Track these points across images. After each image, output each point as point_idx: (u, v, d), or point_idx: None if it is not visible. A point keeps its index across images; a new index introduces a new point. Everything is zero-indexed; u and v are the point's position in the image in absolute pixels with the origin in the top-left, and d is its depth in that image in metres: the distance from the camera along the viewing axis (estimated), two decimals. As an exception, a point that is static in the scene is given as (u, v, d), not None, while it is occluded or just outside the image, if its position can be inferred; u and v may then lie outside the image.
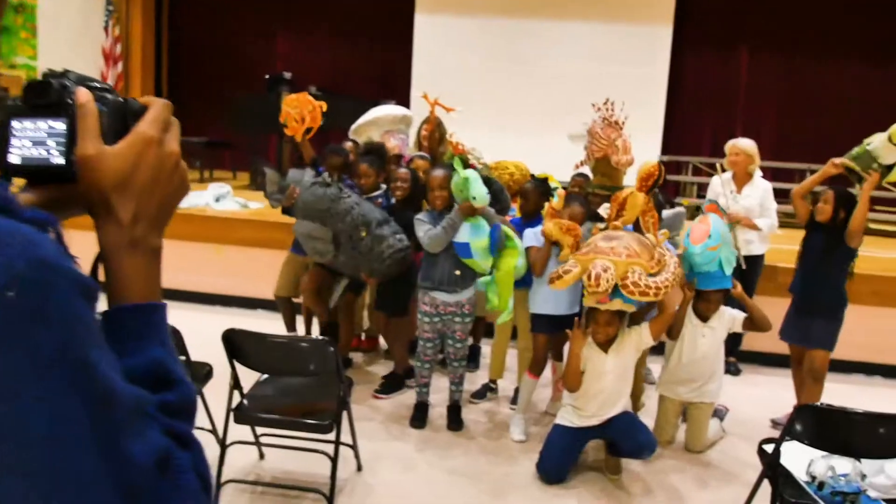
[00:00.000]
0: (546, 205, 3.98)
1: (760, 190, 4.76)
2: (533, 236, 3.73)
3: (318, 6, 9.80)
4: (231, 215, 6.08)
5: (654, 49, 8.91)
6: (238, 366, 2.92)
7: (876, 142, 3.62)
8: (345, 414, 3.00)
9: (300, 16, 9.90)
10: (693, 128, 9.43)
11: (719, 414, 3.91)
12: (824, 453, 2.55)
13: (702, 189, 8.63)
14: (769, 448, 2.67)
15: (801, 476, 2.59)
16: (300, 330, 4.70)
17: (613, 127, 4.38)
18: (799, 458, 2.61)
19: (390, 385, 4.26)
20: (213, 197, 6.36)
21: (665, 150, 9.00)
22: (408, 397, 4.18)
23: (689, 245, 3.55)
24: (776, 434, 3.77)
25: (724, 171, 4.69)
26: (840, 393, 3.78)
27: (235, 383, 2.94)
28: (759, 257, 4.76)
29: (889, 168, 3.80)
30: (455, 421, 3.88)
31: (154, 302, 0.65)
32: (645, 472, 3.47)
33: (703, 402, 3.67)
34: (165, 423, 0.58)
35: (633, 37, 8.89)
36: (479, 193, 3.49)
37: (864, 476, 2.51)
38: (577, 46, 8.89)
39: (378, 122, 4.99)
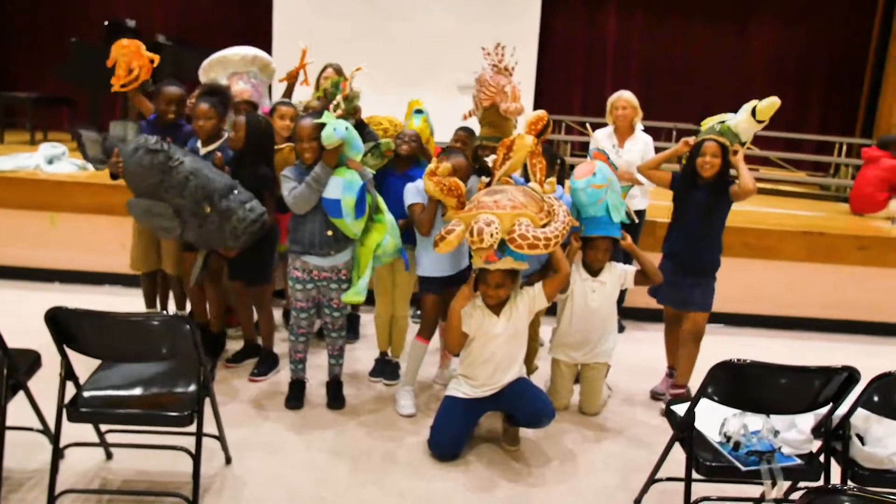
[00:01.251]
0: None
1: (642, 143, 4.67)
2: (416, 192, 3.37)
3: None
4: (67, 178, 5.31)
5: (524, 7, 8.76)
6: (74, 353, 2.40)
7: (735, 119, 3.52)
8: (207, 401, 2.56)
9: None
10: (564, 87, 9.41)
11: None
12: (736, 411, 2.41)
13: (575, 148, 8.65)
14: (679, 409, 2.51)
15: (713, 437, 2.45)
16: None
17: (503, 73, 4.11)
18: (708, 418, 2.47)
19: (265, 364, 3.82)
20: (45, 158, 5.52)
21: (537, 105, 8.91)
22: (282, 376, 3.76)
23: (572, 183, 3.37)
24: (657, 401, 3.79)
25: (594, 130, 4.57)
26: (716, 347, 3.72)
27: (67, 373, 2.42)
28: (641, 212, 4.68)
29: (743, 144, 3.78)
30: (336, 398, 3.51)
31: None
32: (540, 440, 3.27)
33: (598, 363, 3.53)
34: None
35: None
36: (328, 133, 3.10)
37: (776, 432, 2.40)
38: (445, 4, 8.60)
39: (225, 61, 4.36)
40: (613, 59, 9.48)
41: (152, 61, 4.10)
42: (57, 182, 5.24)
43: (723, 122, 3.57)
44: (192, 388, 2.52)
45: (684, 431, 2.41)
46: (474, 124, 4.32)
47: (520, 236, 2.83)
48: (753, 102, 3.49)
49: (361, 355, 4.15)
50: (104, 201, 5.06)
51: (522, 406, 3.06)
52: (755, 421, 2.43)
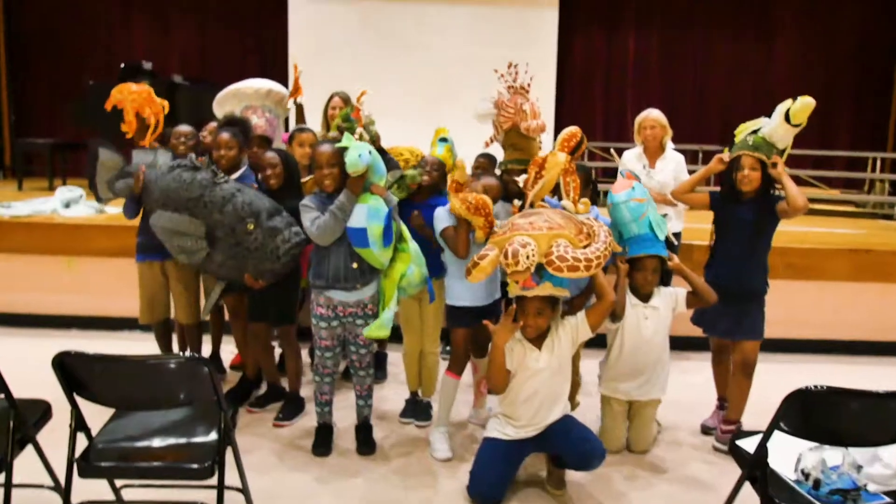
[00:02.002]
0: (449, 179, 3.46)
1: (674, 163, 4.47)
2: (446, 216, 3.18)
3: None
4: (84, 221, 5.20)
5: (541, 32, 8.72)
6: (85, 401, 2.22)
7: (769, 127, 3.25)
8: (229, 451, 2.35)
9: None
10: (584, 111, 9.27)
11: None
12: (813, 445, 2.17)
13: (599, 175, 8.46)
14: (746, 444, 2.27)
15: (788, 474, 2.20)
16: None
17: (519, 93, 3.97)
18: (781, 454, 2.22)
19: (290, 408, 3.61)
20: (62, 202, 5.44)
21: (560, 132, 8.77)
22: (307, 420, 3.55)
23: (612, 198, 3.15)
24: (709, 434, 3.49)
25: (619, 155, 4.38)
26: (768, 376, 3.47)
27: (78, 424, 2.23)
28: (677, 235, 4.46)
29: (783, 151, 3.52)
30: (366, 443, 3.29)
31: None
32: (588, 482, 3.01)
33: (652, 399, 3.27)
34: None
35: (519, 20, 8.65)
36: (352, 160, 2.93)
37: (859, 468, 2.15)
38: (461, 30, 8.62)
39: (239, 94, 4.27)
40: (633, 79, 9.37)
41: (163, 107, 3.99)
42: (74, 226, 5.14)
43: (756, 131, 3.32)
44: (213, 436, 2.32)
45: (756, 469, 2.16)
46: (497, 151, 4.16)
47: (558, 258, 2.61)
48: (786, 104, 3.21)
49: (390, 395, 3.94)
50: (122, 244, 4.91)
51: (569, 447, 2.81)
52: (834, 455, 2.18)
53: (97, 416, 2.35)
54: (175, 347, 3.92)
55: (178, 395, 2.16)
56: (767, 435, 2.09)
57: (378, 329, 3.08)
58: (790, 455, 2.23)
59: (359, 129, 3.46)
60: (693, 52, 9.26)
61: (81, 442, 2.27)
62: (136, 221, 3.72)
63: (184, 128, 3.72)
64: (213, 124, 3.99)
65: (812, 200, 7.75)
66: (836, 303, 4.97)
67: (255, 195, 3.27)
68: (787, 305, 4.82)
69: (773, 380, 3.27)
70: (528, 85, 3.99)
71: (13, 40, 8.88)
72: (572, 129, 3.11)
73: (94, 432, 2.34)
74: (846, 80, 9.18)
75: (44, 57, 8.90)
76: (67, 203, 5.47)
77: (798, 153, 7.44)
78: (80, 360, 2.09)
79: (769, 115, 3.33)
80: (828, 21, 9.08)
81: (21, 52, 8.94)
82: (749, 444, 2.29)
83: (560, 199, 3.11)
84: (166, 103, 4.01)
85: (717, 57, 9.23)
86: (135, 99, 3.92)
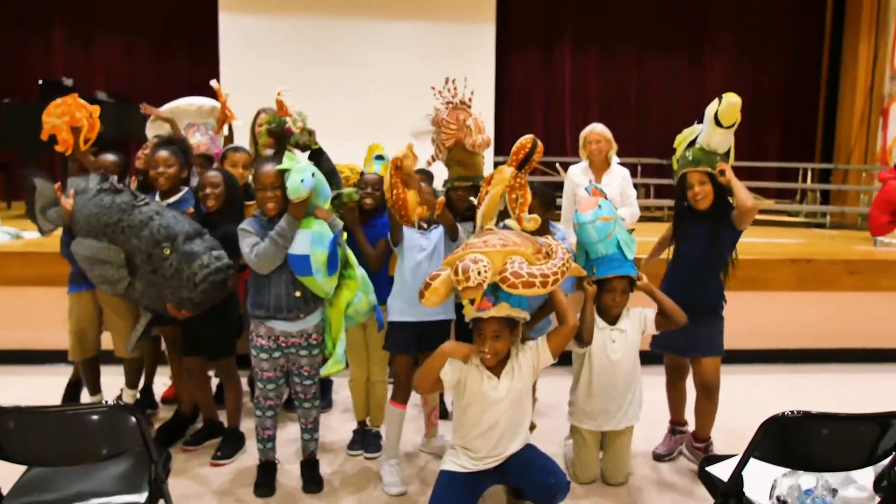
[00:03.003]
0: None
1: (619, 177, 4.43)
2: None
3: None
4: (-1, 249, 4.83)
5: (479, 49, 8.68)
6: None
7: (704, 135, 3.17)
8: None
9: (80, 10, 8.54)
10: (523, 128, 9.23)
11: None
12: (786, 470, 2.08)
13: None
14: (717, 471, 2.17)
15: (762, 501, 2.11)
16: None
17: (460, 108, 3.83)
18: (754, 480, 2.13)
19: (230, 444, 3.37)
20: (-26, 228, 5.05)
21: (498, 151, 8.72)
22: (248, 458, 3.31)
23: (578, 217, 2.99)
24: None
25: (565, 170, 4.30)
26: (730, 391, 3.39)
27: (-14, 485, 1.97)
28: (626, 249, 4.41)
29: (726, 154, 3.45)
30: (312, 480, 3.08)
31: None
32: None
33: (627, 427, 3.13)
34: None
35: (457, 36, 8.60)
36: (294, 185, 2.76)
37: (834, 491, 2.07)
38: (399, 46, 8.50)
39: (178, 111, 4.07)
40: (571, 99, 9.42)
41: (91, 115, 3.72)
42: (-13, 253, 4.75)
43: (693, 142, 3.25)
44: (143, 491, 2.08)
45: (730, 499, 2.06)
46: (438, 170, 4.03)
47: (512, 274, 2.44)
48: (713, 107, 3.09)
49: (337, 425, 3.74)
50: (42, 272, 4.59)
51: (531, 480, 2.65)
52: (808, 479, 2.10)
53: (6, 470, 2.09)
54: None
55: (101, 449, 1.92)
56: (742, 464, 2.00)
57: (334, 365, 2.93)
58: (763, 481, 2.15)
59: (296, 131, 3.30)
60: (628, 70, 9.39)
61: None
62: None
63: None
64: (154, 139, 3.76)
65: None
66: (780, 313, 5.00)
67: (175, 218, 3.03)
68: (732, 317, 4.83)
69: (725, 393, 3.23)
70: (469, 99, 3.88)
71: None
72: (522, 140, 2.93)
73: (3, 490, 2.08)
74: (775, 96, 9.46)
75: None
76: (-20, 229, 5.08)
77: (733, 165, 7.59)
78: (-14, 413, 1.84)
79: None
80: (756, 38, 9.35)
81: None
82: (719, 471, 2.20)
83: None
84: (97, 108, 3.74)
85: (653, 72, 9.38)
86: (64, 112, 3.63)
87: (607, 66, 9.35)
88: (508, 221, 2.89)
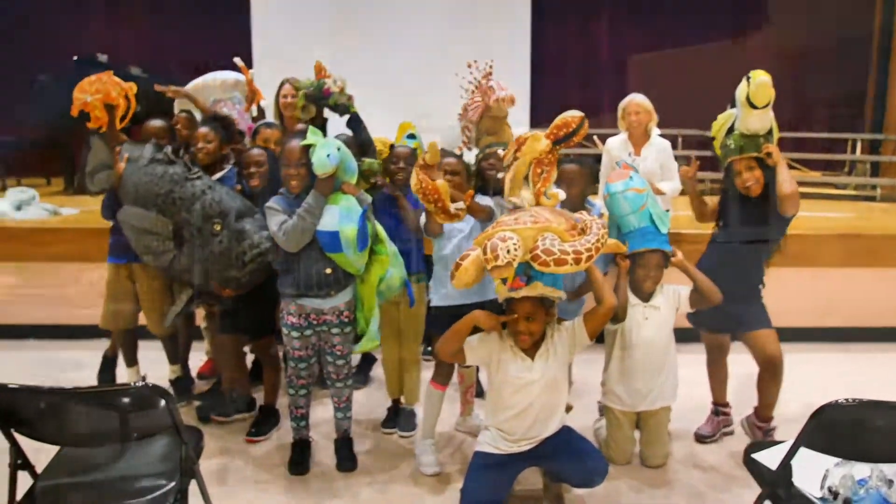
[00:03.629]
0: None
1: (660, 150, 4.28)
2: None
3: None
4: (38, 224, 4.88)
5: (515, 20, 8.47)
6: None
7: (740, 120, 3.01)
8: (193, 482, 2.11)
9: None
10: (559, 100, 9.04)
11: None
12: (838, 460, 1.98)
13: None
14: (764, 458, 2.07)
15: (813, 492, 2.01)
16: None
17: (482, 85, 3.92)
18: (804, 469, 2.02)
19: (265, 421, 3.36)
20: (13, 205, 5.11)
21: (534, 123, 8.57)
22: (283, 434, 3.30)
23: (608, 188, 2.87)
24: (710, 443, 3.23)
25: (603, 142, 4.22)
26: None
27: (18, 461, 1.97)
28: (665, 224, 4.27)
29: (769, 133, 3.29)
30: (346, 458, 3.06)
31: None
32: (593, 499, 2.78)
33: (662, 407, 3.03)
34: None
35: (492, 7, 8.42)
36: (320, 160, 2.69)
37: (890, 482, 1.96)
38: (434, 17, 8.32)
39: (206, 87, 4.08)
40: (608, 70, 9.20)
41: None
42: (27, 229, 4.82)
43: (731, 128, 3.09)
44: (173, 470, 2.06)
45: (779, 488, 1.96)
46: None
47: (543, 251, 2.32)
48: (744, 90, 2.95)
49: (373, 401, 3.70)
50: (79, 248, 4.64)
51: (568, 463, 2.58)
52: (862, 469, 2.00)
53: (40, 450, 2.08)
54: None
55: (132, 429, 1.90)
56: (791, 453, 1.90)
57: (369, 342, 2.92)
58: (814, 470, 2.04)
59: (335, 92, 3.29)
60: (669, 36, 9.11)
61: (24, 481, 2.01)
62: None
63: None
64: (182, 115, 3.72)
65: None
66: (829, 289, 4.82)
67: (227, 194, 3.03)
68: (779, 294, 4.67)
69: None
70: (490, 68, 3.89)
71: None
72: (566, 116, 2.72)
73: (37, 469, 2.08)
74: (824, 60, 9.08)
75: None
76: (19, 205, 5.14)
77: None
78: (15, 394, 1.82)
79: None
80: (807, 1, 8.99)
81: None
82: (766, 458, 2.10)
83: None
84: (132, 84, 3.71)
85: (695, 39, 9.10)
86: (98, 89, 3.59)
87: (646, 34, 9.08)
88: (524, 194, 2.75)
